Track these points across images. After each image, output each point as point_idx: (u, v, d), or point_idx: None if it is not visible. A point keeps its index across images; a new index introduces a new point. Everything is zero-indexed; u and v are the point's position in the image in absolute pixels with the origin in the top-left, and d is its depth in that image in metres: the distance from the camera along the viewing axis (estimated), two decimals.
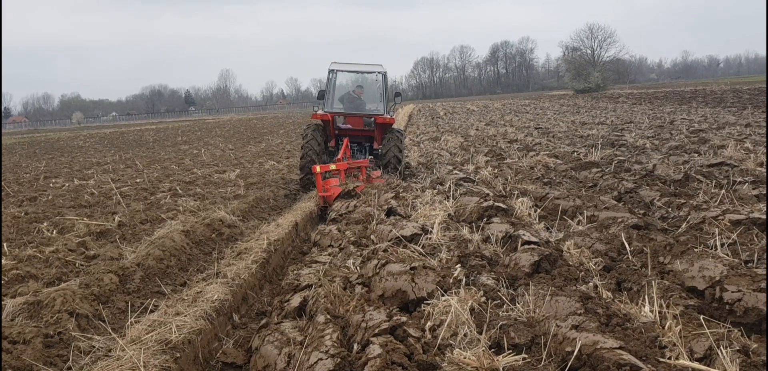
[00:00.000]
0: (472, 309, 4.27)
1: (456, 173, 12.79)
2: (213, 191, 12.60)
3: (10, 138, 56.45)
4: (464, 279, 5.01)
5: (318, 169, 10.55)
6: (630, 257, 5.40)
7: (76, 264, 6.69)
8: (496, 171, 12.55)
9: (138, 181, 14.87)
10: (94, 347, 4.42)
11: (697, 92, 49.38)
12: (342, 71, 13.85)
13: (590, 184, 10.14)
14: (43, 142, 44.37)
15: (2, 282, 5.87)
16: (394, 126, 13.86)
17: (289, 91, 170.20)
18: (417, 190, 10.44)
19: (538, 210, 7.87)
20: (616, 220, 6.44)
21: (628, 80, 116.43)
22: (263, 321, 4.77)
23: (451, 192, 9.98)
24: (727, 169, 10.03)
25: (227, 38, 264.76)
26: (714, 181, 8.84)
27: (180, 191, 12.57)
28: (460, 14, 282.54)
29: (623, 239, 5.68)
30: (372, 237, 7.07)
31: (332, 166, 10.86)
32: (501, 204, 7.75)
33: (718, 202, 7.43)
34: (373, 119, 13.44)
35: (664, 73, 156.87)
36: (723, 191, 8.07)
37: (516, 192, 9.58)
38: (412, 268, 4.94)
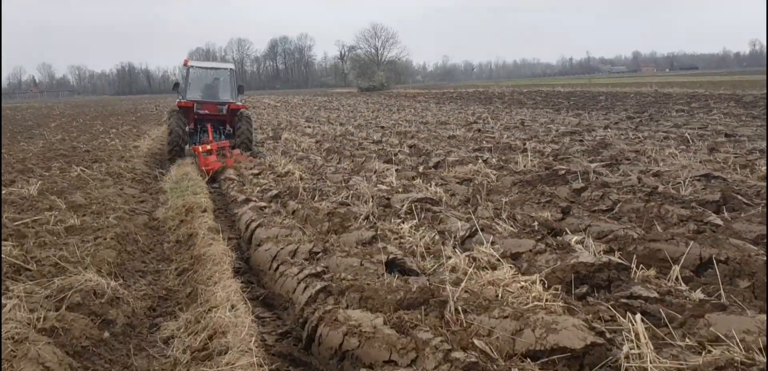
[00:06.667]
0: None
1: (382, 187, 9.91)
2: (20, 216, 7.96)
3: None
4: None
5: (200, 149, 13.63)
6: None
7: None
8: (438, 185, 9.88)
9: None
10: None
11: (492, 94, 51.89)
12: (196, 67, 16.59)
13: (591, 206, 8.04)
14: None
15: None
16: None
17: (41, 78, 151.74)
18: (389, 222, 7.36)
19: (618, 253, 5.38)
20: None
21: (401, 80, 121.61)
22: None
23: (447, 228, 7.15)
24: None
25: None
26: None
27: None
28: (237, 7, 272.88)
29: None
30: (457, 330, 3.95)
31: (208, 146, 13.77)
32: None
33: None
34: (226, 106, 15.76)
35: (428, 75, 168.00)
36: None
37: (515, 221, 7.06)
38: None
